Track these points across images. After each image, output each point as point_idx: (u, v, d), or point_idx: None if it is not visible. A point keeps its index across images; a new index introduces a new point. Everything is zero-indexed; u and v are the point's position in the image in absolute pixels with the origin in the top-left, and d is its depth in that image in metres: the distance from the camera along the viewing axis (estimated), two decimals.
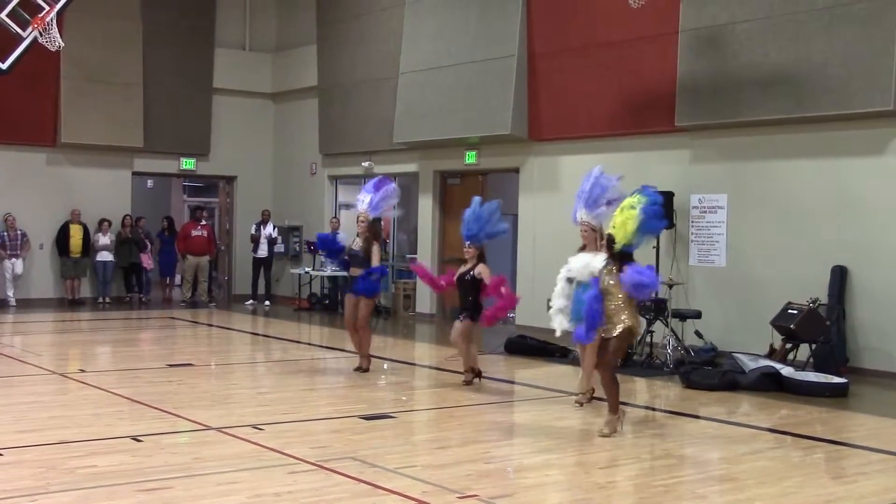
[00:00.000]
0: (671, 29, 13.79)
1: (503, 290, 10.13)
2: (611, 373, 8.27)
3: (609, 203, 9.41)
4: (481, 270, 10.32)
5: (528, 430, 8.91)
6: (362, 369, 11.42)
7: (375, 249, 11.28)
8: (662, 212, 8.32)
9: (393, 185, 11.64)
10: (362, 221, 11.33)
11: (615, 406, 8.26)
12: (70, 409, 9.05)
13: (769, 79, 12.66)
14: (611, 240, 8.16)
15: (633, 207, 8.12)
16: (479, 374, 10.67)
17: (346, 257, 11.52)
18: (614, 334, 8.15)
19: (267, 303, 20.24)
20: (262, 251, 20.36)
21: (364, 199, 11.36)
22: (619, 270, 8.09)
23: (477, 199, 10.70)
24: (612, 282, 8.14)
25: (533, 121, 16.09)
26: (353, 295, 11.45)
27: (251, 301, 20.19)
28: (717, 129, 13.57)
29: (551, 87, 15.80)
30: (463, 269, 10.52)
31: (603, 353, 8.28)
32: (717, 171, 13.58)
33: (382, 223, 11.75)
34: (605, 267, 8.28)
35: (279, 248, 20.92)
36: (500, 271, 11.12)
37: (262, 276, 20.51)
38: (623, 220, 8.12)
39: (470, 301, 10.41)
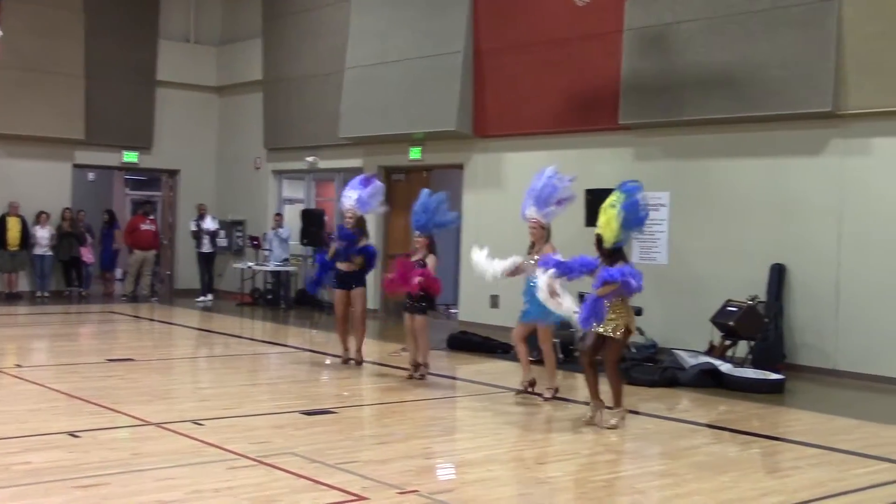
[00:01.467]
0: (616, 27, 13.89)
1: (418, 279, 10.16)
2: (615, 369, 8.51)
3: (559, 203, 9.51)
4: (430, 261, 10.37)
5: (469, 425, 8.95)
6: (356, 362, 11.58)
7: (362, 242, 11.43)
8: (642, 205, 8.50)
9: (380, 183, 11.77)
10: (350, 218, 11.34)
11: (619, 399, 8.50)
12: (5, 404, 8.88)
13: (712, 79, 12.81)
14: (599, 240, 8.40)
15: (613, 206, 8.35)
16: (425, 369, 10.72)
17: (330, 257, 11.52)
18: (612, 333, 8.38)
19: (209, 297, 20.08)
20: (206, 246, 20.18)
21: (351, 196, 11.38)
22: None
23: (425, 191, 10.75)
24: None
25: (478, 117, 16.12)
26: (343, 290, 11.48)
27: (203, 297, 19.98)
28: (660, 128, 13.70)
29: (497, 84, 15.85)
30: (413, 258, 10.53)
31: (605, 352, 8.49)
32: (659, 169, 13.70)
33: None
34: (598, 265, 8.47)
35: (222, 242, 20.75)
36: (444, 268, 11.16)
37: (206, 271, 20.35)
38: (607, 220, 8.35)
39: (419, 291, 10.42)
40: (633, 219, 8.44)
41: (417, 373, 10.63)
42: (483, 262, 9.75)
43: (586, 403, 9.84)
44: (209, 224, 20.17)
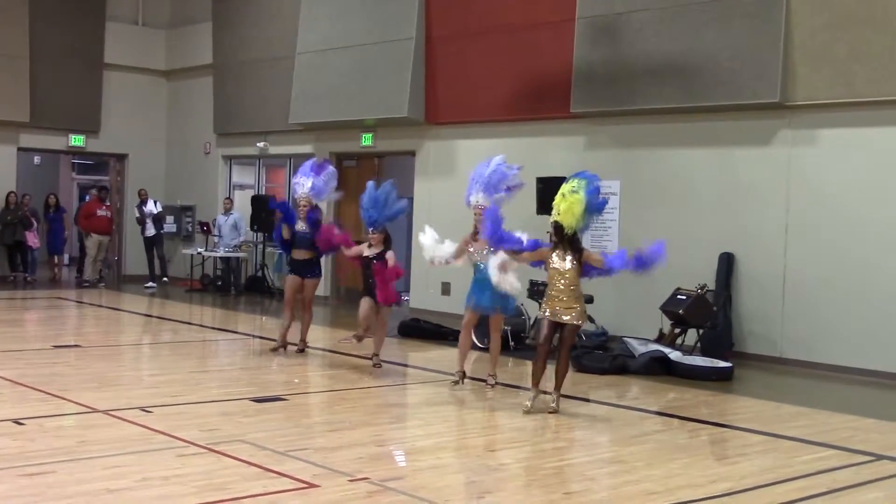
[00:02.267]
0: (568, 16, 13.92)
1: (387, 280, 10.26)
2: (569, 355, 8.73)
3: (508, 189, 9.52)
4: (390, 257, 10.32)
5: (420, 413, 8.95)
6: (299, 349, 11.51)
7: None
8: (601, 191, 8.64)
9: (332, 168, 11.62)
10: (304, 206, 11.17)
11: (561, 383, 8.63)
12: None
13: (662, 68, 12.89)
14: (558, 227, 8.44)
15: (574, 192, 8.41)
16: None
17: (287, 238, 11.31)
18: (570, 319, 8.49)
19: (165, 279, 19.79)
20: (150, 230, 19.90)
21: (305, 184, 11.17)
22: (575, 255, 8.46)
23: (370, 183, 10.63)
24: (567, 266, 8.45)
25: (430, 104, 16.09)
26: (297, 276, 11.36)
27: (151, 283, 19.69)
28: (610, 117, 13.76)
29: (449, 71, 15.82)
30: (368, 252, 10.45)
31: (562, 337, 8.59)
32: (610, 157, 13.76)
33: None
34: (552, 251, 8.58)
35: (170, 226, 20.54)
36: (396, 255, 11.12)
37: (155, 256, 20.08)
38: (569, 206, 8.40)
39: (373, 284, 10.41)
40: (595, 204, 8.53)
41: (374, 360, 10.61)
42: (430, 244, 9.75)
43: (542, 391, 9.89)
44: (151, 208, 19.88)
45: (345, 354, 11.55)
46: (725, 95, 12.36)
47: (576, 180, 8.51)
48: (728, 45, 12.34)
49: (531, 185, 12.20)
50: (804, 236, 11.95)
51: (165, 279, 19.89)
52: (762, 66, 12.02)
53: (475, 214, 9.53)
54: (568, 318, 8.48)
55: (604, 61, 13.53)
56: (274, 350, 11.50)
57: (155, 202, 20.04)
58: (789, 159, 12.12)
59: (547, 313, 8.59)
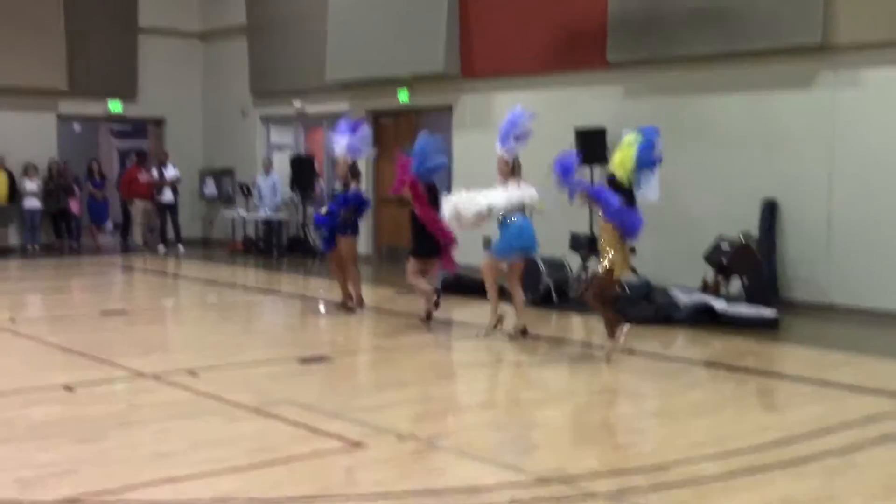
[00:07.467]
0: None
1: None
2: (602, 304, 8.79)
3: (517, 138, 9.57)
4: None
5: (465, 369, 8.96)
6: (347, 307, 11.48)
7: (354, 185, 11.36)
8: (655, 147, 8.69)
9: (367, 126, 11.71)
10: (342, 165, 11.25)
11: (612, 332, 8.74)
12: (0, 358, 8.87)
13: (700, 13, 12.67)
14: (612, 178, 8.62)
15: (630, 146, 8.57)
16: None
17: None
18: (599, 267, 8.71)
19: (181, 247, 19.71)
20: (168, 196, 19.80)
21: (342, 142, 11.25)
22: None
23: (422, 133, 10.77)
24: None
25: (465, 58, 15.97)
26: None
27: (162, 247, 19.61)
28: (648, 65, 13.57)
29: (484, 24, 15.67)
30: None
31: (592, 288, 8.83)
32: (648, 106, 13.58)
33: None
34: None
35: (211, 190, 20.58)
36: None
37: (169, 222, 19.90)
38: (622, 159, 8.58)
39: (423, 237, 10.44)
40: (646, 159, 8.57)
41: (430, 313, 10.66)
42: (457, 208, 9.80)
43: (581, 344, 9.90)
44: (170, 172, 19.81)
45: (388, 312, 11.57)
46: (766, 39, 12.14)
47: (634, 133, 8.65)
48: None
49: (569, 136, 12.11)
50: (848, 181, 11.76)
51: (181, 247, 19.66)
52: (803, 6, 11.78)
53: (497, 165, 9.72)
54: (599, 266, 8.63)
55: (640, 8, 13.32)
56: (342, 306, 11.57)
57: (173, 166, 19.89)
58: (832, 103, 11.89)
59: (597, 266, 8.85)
